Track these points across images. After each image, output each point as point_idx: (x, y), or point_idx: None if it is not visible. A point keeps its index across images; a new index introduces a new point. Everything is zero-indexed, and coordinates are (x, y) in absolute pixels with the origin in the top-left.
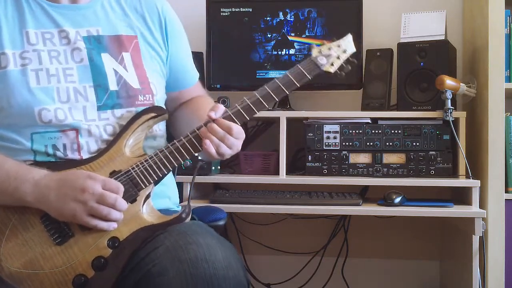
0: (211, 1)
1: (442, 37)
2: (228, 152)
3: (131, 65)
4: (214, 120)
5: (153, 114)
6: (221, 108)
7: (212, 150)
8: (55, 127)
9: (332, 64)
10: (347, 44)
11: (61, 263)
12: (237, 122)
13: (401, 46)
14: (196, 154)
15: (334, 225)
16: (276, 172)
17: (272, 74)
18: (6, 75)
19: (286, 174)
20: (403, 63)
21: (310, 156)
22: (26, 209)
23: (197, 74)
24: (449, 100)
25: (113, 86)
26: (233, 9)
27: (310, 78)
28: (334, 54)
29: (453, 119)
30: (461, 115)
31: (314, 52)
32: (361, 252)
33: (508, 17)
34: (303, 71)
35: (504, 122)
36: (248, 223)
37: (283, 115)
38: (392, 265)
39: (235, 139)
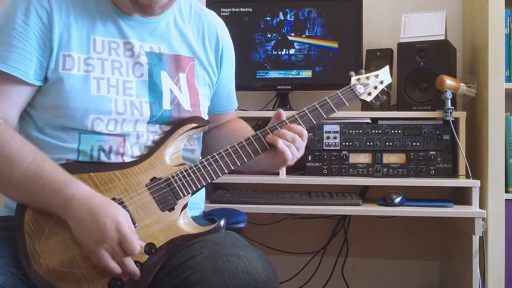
0: (211, 1)
1: (442, 37)
2: (297, 155)
3: (186, 87)
4: (283, 122)
5: (194, 125)
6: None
7: (288, 152)
8: (104, 134)
9: (369, 94)
10: (385, 75)
11: None
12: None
13: (401, 46)
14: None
15: (334, 225)
16: (276, 172)
17: (272, 74)
18: (69, 78)
19: (286, 174)
20: (403, 63)
21: (310, 156)
22: None
23: (236, 103)
24: (449, 100)
25: (166, 105)
26: (233, 9)
27: (347, 105)
28: (372, 84)
29: (453, 119)
30: (461, 115)
31: (353, 80)
32: (361, 252)
33: (508, 17)
34: (342, 98)
35: (504, 122)
36: (248, 223)
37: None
38: (392, 265)
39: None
